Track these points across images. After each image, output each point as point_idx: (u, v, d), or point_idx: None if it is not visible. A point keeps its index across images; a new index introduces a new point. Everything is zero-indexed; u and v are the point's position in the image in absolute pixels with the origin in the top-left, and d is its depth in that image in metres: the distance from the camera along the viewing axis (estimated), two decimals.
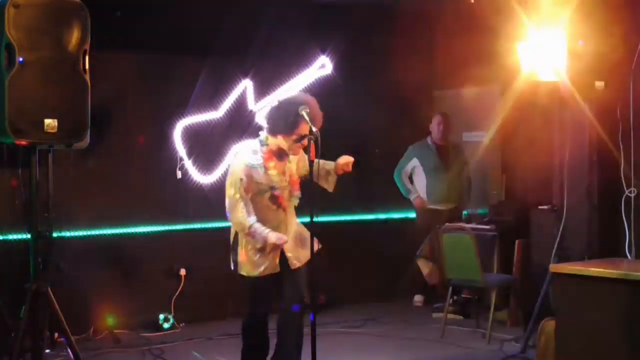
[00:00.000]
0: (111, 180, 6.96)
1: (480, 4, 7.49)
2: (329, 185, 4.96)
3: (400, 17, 8.21)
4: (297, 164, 4.94)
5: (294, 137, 4.71)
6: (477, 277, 6.57)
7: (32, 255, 5.21)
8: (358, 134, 8.01)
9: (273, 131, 4.79)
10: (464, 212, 8.04)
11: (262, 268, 4.82)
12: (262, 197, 4.79)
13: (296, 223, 4.99)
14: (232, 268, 4.98)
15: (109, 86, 6.62)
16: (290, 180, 4.88)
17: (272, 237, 4.67)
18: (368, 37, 8.15)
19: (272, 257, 4.80)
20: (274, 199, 4.80)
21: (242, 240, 4.87)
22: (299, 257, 4.89)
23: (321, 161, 4.82)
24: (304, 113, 4.54)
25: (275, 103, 4.91)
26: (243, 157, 4.81)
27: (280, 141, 4.77)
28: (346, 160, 4.85)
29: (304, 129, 4.66)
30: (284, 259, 4.85)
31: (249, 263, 4.86)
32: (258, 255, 4.82)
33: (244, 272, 4.88)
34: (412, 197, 7.90)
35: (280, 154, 4.83)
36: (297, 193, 4.91)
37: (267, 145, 4.83)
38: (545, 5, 6.30)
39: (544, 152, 7.06)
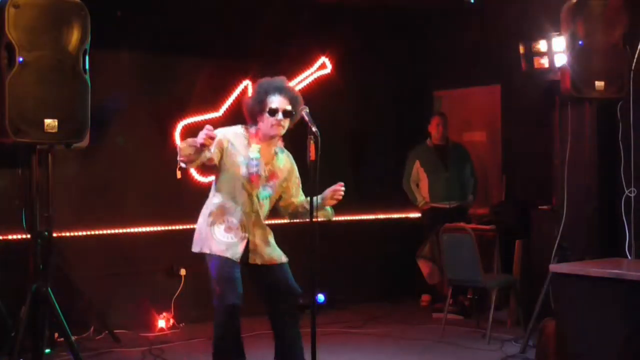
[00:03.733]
0: (111, 180, 6.96)
1: (480, 4, 7.50)
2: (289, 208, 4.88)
3: (399, 17, 8.22)
4: (283, 171, 4.82)
5: (267, 114, 4.63)
6: (477, 277, 6.57)
7: (32, 255, 5.21)
8: (358, 134, 8.01)
9: (251, 116, 4.72)
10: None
11: (225, 248, 4.66)
12: (237, 170, 4.63)
13: (265, 226, 4.83)
14: (195, 250, 4.84)
15: (109, 86, 6.62)
16: (270, 171, 4.74)
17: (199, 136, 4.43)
18: (368, 37, 8.15)
19: (237, 243, 4.65)
20: (248, 176, 4.64)
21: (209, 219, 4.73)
22: (261, 254, 4.75)
23: (301, 203, 4.79)
24: (304, 113, 4.53)
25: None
26: (231, 127, 4.74)
27: (262, 127, 4.67)
28: (333, 191, 4.68)
29: (272, 101, 4.62)
30: (246, 253, 4.71)
31: (214, 241, 4.71)
32: (225, 236, 4.68)
33: (206, 250, 4.74)
34: (419, 205, 7.92)
35: (266, 140, 4.70)
36: (271, 185, 4.74)
37: (252, 128, 4.74)
38: (545, 5, 6.31)
39: (544, 152, 7.06)
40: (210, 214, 4.76)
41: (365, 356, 6.28)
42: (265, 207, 4.79)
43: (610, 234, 6.17)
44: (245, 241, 4.70)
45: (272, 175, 4.77)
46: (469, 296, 7.54)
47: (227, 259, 4.67)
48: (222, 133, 4.66)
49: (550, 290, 5.89)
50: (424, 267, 7.74)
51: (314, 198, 4.36)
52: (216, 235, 4.72)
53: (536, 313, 6.01)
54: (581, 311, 4.77)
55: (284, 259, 4.83)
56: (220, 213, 4.71)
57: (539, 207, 6.99)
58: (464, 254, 6.60)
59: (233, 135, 4.70)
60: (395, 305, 7.98)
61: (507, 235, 7.18)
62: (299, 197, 4.90)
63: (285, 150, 4.92)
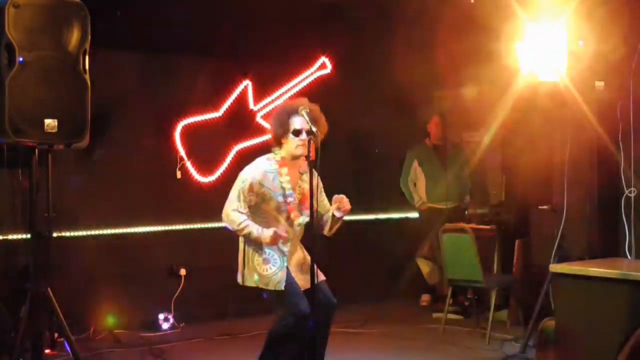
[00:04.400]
0: (111, 181, 6.96)
1: (480, 4, 7.49)
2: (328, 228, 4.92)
3: (400, 17, 8.21)
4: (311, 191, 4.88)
5: (291, 135, 4.70)
6: (477, 277, 6.57)
7: (32, 255, 5.21)
8: (358, 134, 8.01)
9: (276, 139, 4.80)
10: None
11: (267, 282, 4.74)
12: (269, 204, 4.72)
13: (302, 249, 4.91)
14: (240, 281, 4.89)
15: (109, 86, 6.63)
16: (301, 196, 4.80)
17: (266, 234, 4.61)
18: (368, 37, 8.15)
19: (280, 273, 4.72)
20: (283, 207, 4.74)
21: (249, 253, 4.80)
22: (303, 284, 4.80)
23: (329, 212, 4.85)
24: (303, 113, 4.54)
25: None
26: (258, 162, 4.79)
27: (287, 148, 4.75)
28: (338, 203, 4.72)
29: (295, 122, 4.68)
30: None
31: (258, 275, 4.78)
32: (265, 268, 4.75)
33: (252, 284, 4.81)
34: (417, 204, 7.92)
35: (292, 161, 4.79)
36: (306, 212, 4.76)
37: (279, 154, 4.81)
38: (545, 5, 6.30)
39: (544, 152, 7.06)
40: (249, 247, 4.81)
41: (365, 356, 6.29)
42: (301, 232, 4.87)
43: (610, 234, 6.16)
44: (284, 270, 4.74)
45: (303, 199, 4.81)
46: (469, 296, 7.54)
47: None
48: (251, 176, 4.70)
49: (550, 290, 5.89)
50: (424, 267, 7.75)
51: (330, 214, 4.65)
52: (257, 269, 4.77)
53: (536, 313, 6.01)
54: (581, 311, 4.76)
55: (322, 276, 4.84)
56: (259, 245, 4.75)
57: (539, 207, 6.98)
58: (464, 254, 6.60)
59: (261, 174, 4.72)
60: (395, 305, 7.98)
61: (507, 235, 7.18)
62: (326, 207, 4.95)
63: (312, 171, 4.89)
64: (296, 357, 4.74)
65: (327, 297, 4.78)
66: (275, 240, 4.61)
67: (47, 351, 5.64)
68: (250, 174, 4.72)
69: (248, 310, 7.44)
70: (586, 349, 4.69)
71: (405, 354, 6.31)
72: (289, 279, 4.69)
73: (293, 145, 4.71)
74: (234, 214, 4.69)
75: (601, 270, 4.73)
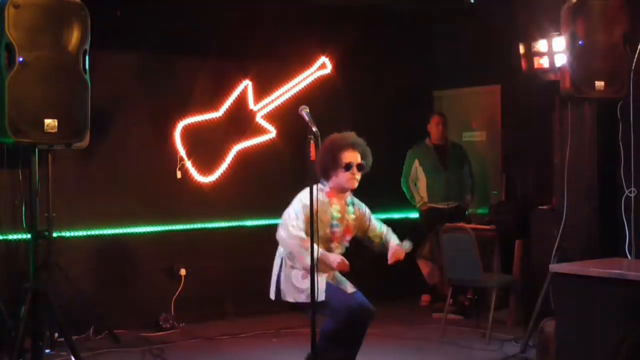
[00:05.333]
0: (111, 180, 6.96)
1: (480, 4, 7.50)
2: (375, 245, 5.17)
3: (399, 17, 8.22)
4: (355, 221, 5.03)
5: (341, 168, 4.84)
6: (477, 277, 6.57)
7: (32, 255, 5.22)
8: (358, 134, 7.99)
9: (324, 172, 4.92)
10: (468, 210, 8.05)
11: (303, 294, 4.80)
12: (321, 233, 4.83)
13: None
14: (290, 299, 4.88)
15: (109, 86, 6.63)
16: (345, 226, 4.95)
17: (334, 258, 4.75)
18: (368, 38, 8.15)
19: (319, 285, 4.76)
20: (330, 236, 4.86)
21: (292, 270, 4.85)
22: None
23: (386, 235, 5.12)
24: (304, 113, 4.54)
25: (320, 147, 4.88)
26: (308, 190, 4.83)
27: (336, 181, 4.89)
28: (397, 255, 4.97)
29: (346, 157, 4.85)
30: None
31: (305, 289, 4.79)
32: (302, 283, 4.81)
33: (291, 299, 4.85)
34: (418, 205, 7.92)
35: (340, 193, 4.94)
36: (347, 240, 5.00)
37: (327, 186, 4.94)
38: (545, 5, 6.31)
39: (544, 152, 7.06)
40: (286, 264, 4.87)
41: (366, 356, 6.28)
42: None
43: (610, 234, 6.16)
44: (324, 282, 4.81)
45: (346, 230, 4.98)
46: (469, 296, 7.54)
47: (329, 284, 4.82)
48: (307, 206, 4.68)
49: (550, 290, 5.89)
50: (424, 267, 7.75)
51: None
52: (294, 283, 4.83)
53: (536, 313, 6.01)
54: (581, 311, 4.76)
55: (350, 289, 4.92)
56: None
57: (539, 207, 6.98)
58: (464, 254, 6.59)
59: (302, 209, 4.79)
60: (395, 305, 7.96)
61: (507, 235, 7.18)
62: (377, 231, 5.15)
63: (355, 200, 5.10)
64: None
65: (364, 306, 4.88)
66: (340, 266, 4.75)
67: (47, 351, 5.65)
68: (306, 202, 4.74)
69: (248, 310, 7.45)
70: (586, 349, 4.69)
71: (405, 354, 6.31)
72: (329, 286, 4.79)
73: (344, 179, 4.87)
74: (296, 230, 4.71)
75: (601, 270, 4.73)
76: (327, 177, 4.92)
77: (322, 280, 4.74)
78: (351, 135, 4.98)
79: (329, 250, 4.87)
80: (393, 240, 5.10)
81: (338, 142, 4.91)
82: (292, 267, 4.81)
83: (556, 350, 4.95)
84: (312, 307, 4.34)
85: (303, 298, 4.75)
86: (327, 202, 4.88)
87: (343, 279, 4.99)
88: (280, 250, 4.92)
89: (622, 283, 4.55)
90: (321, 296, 4.70)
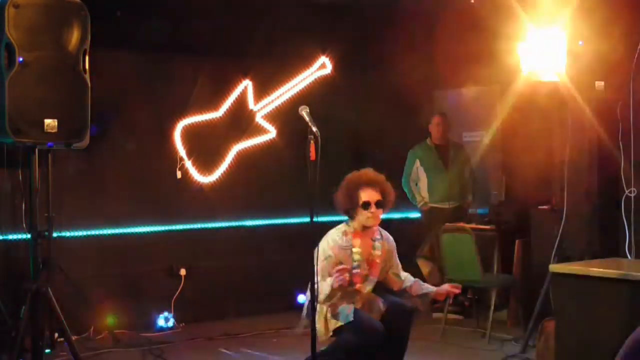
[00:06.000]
0: (111, 180, 6.96)
1: (480, 4, 7.49)
2: (418, 303, 5.21)
3: (400, 17, 8.21)
4: (382, 256, 5.01)
5: (359, 207, 4.85)
6: (477, 277, 6.57)
7: (32, 255, 5.22)
8: (358, 134, 8.01)
9: (346, 212, 4.94)
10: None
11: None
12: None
13: (369, 293, 5.00)
14: (326, 336, 4.86)
15: (109, 86, 6.63)
16: (371, 264, 4.95)
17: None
18: (368, 37, 8.15)
19: (347, 307, 4.83)
20: (351, 278, 4.83)
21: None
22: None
23: (419, 284, 5.12)
24: (303, 113, 4.53)
25: (339, 188, 5.00)
26: (333, 236, 4.90)
27: (358, 219, 4.90)
28: (448, 291, 5.05)
29: (363, 196, 4.85)
30: None
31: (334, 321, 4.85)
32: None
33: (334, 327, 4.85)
34: (419, 205, 7.92)
35: (364, 232, 4.94)
36: (374, 278, 4.97)
37: (351, 226, 4.94)
38: (545, 5, 6.30)
39: (544, 152, 7.06)
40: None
41: None
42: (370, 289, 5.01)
43: (610, 234, 6.16)
44: (352, 306, 4.86)
45: (372, 267, 4.96)
46: (469, 296, 7.54)
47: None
48: (334, 253, 4.80)
49: (550, 290, 5.88)
50: (424, 267, 7.74)
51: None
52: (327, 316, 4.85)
53: (536, 313, 6.01)
54: (581, 311, 4.76)
55: (382, 307, 4.94)
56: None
57: (539, 207, 6.98)
58: (464, 254, 6.60)
59: (339, 247, 4.84)
60: None
61: (507, 235, 7.18)
62: (399, 272, 5.15)
63: (384, 234, 5.10)
64: None
65: (401, 306, 4.93)
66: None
67: (47, 351, 5.65)
68: (330, 250, 4.82)
69: (248, 310, 7.46)
70: (586, 349, 4.69)
71: (405, 354, 6.31)
72: (356, 311, 4.80)
73: (363, 217, 4.88)
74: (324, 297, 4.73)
75: (601, 270, 4.73)
76: (351, 217, 4.94)
77: (350, 307, 4.81)
78: (367, 173, 5.00)
79: (351, 291, 4.85)
80: (421, 283, 5.13)
81: (354, 182, 4.94)
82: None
83: (556, 350, 4.95)
84: (313, 307, 4.35)
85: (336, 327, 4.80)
86: (349, 245, 4.88)
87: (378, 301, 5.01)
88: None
89: (622, 283, 4.56)
90: (349, 317, 4.74)
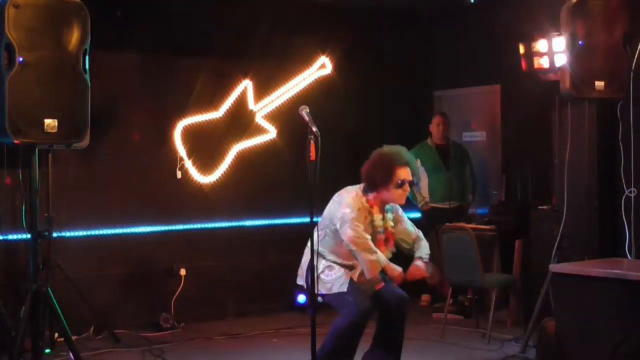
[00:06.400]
0: (111, 180, 6.96)
1: (480, 4, 7.50)
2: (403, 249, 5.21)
3: (400, 17, 8.22)
4: (395, 226, 5.10)
5: (393, 185, 4.88)
6: (477, 277, 6.57)
7: (32, 255, 5.22)
8: (358, 134, 8.01)
9: (372, 186, 4.95)
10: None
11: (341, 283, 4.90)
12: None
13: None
14: (322, 293, 4.94)
15: (109, 86, 6.63)
16: (387, 233, 5.02)
17: (397, 267, 4.96)
18: (368, 37, 8.15)
19: (342, 272, 4.91)
20: (375, 244, 4.88)
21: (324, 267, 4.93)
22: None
23: (415, 241, 5.20)
24: (303, 113, 4.53)
25: (371, 160, 5.02)
26: (354, 196, 4.92)
27: (386, 195, 4.93)
28: (416, 275, 5.09)
29: (401, 174, 4.89)
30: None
31: (327, 282, 4.91)
32: (332, 274, 4.92)
33: (331, 290, 4.91)
34: (420, 204, 7.92)
35: (382, 205, 4.99)
36: (392, 248, 5.07)
37: (369, 196, 4.96)
38: (545, 5, 6.31)
39: (544, 152, 7.06)
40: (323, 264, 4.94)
41: None
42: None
43: (610, 234, 6.16)
44: (348, 274, 4.94)
45: (389, 236, 5.05)
46: (469, 296, 7.54)
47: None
48: (355, 215, 4.81)
49: (550, 290, 5.88)
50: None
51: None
52: (325, 279, 4.93)
53: (536, 313, 6.01)
54: (581, 311, 4.76)
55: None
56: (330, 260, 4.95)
57: (539, 207, 6.98)
58: (464, 254, 6.59)
59: (357, 212, 4.85)
60: None
61: (507, 235, 7.18)
62: (408, 234, 5.22)
63: (393, 206, 5.12)
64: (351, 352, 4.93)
65: (399, 294, 5.06)
66: (399, 278, 4.96)
67: (47, 351, 5.65)
68: (356, 204, 4.86)
69: (248, 310, 7.45)
70: (586, 349, 4.69)
71: (406, 354, 6.30)
72: (352, 282, 4.87)
73: (395, 195, 4.93)
74: (362, 231, 4.80)
75: (601, 270, 4.74)
76: (374, 190, 4.95)
77: (345, 274, 4.87)
78: (404, 151, 5.04)
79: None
80: (419, 253, 5.17)
81: (394, 159, 4.95)
82: (322, 259, 4.90)
83: (556, 350, 4.95)
84: (310, 305, 4.35)
85: (323, 290, 4.87)
86: (367, 209, 4.93)
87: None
88: (315, 245, 4.94)
89: (622, 283, 4.56)
90: (343, 287, 4.82)
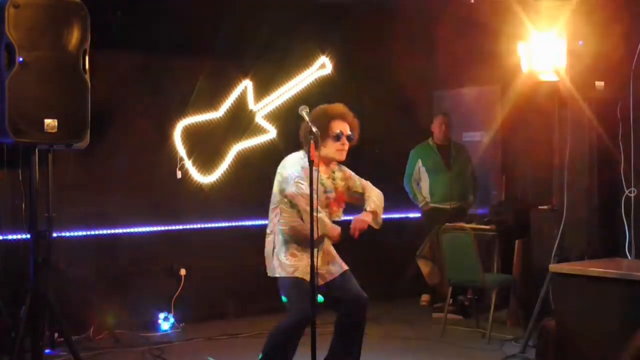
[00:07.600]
0: (111, 180, 6.96)
1: (480, 4, 7.49)
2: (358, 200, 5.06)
3: (400, 17, 8.22)
4: (344, 184, 4.97)
5: (330, 138, 4.79)
6: (477, 277, 6.57)
7: (32, 255, 5.21)
8: (358, 134, 7.99)
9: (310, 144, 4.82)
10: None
11: (295, 270, 4.80)
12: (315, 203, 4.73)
13: (328, 242, 4.96)
14: (271, 274, 4.91)
15: (109, 86, 6.62)
16: (337, 193, 4.90)
17: (337, 227, 4.72)
18: (368, 37, 8.15)
19: (305, 263, 4.73)
20: (326, 203, 4.79)
21: (283, 246, 4.84)
22: (324, 275, 4.91)
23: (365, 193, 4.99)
24: (303, 113, 4.54)
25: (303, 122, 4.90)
26: (295, 159, 4.82)
27: (325, 151, 4.80)
28: (359, 226, 4.85)
29: (336, 126, 4.80)
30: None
31: (287, 265, 4.82)
32: (293, 260, 4.80)
33: (282, 274, 4.82)
34: (420, 204, 7.92)
35: (327, 163, 4.89)
36: (342, 205, 4.93)
37: (310, 153, 4.81)
38: (545, 5, 6.31)
39: (544, 152, 7.06)
40: (280, 242, 4.86)
41: (366, 356, 6.28)
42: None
43: (610, 234, 6.16)
44: (307, 266, 4.75)
45: (340, 196, 4.91)
46: (469, 296, 7.54)
47: (297, 278, 4.78)
48: (298, 174, 4.69)
49: (550, 290, 5.89)
50: (424, 267, 7.74)
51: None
52: (283, 260, 4.82)
53: (536, 313, 6.01)
54: (581, 311, 4.77)
55: (344, 266, 4.97)
56: (290, 240, 4.83)
57: (539, 207, 6.99)
58: (464, 254, 6.60)
59: (303, 168, 4.71)
60: (395, 305, 7.97)
61: (507, 235, 7.18)
62: (358, 186, 5.06)
63: (339, 166, 5.02)
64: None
65: (357, 294, 4.92)
66: (337, 237, 4.73)
67: (47, 351, 5.65)
68: (297, 170, 4.71)
69: (248, 310, 7.45)
70: (586, 349, 4.70)
71: (406, 354, 6.31)
72: (298, 282, 4.73)
73: (333, 149, 4.82)
74: (305, 189, 4.58)
75: (601, 270, 4.74)
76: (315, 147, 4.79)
77: (301, 263, 4.74)
78: (341, 106, 4.94)
79: (329, 217, 4.81)
80: (365, 205, 4.95)
81: (328, 112, 4.86)
82: (285, 244, 4.81)
83: (556, 350, 4.96)
84: (312, 302, 4.33)
85: (283, 274, 4.78)
86: (314, 167, 4.75)
87: (336, 259, 4.97)
88: (271, 228, 4.89)
89: (622, 283, 4.56)
90: (285, 272, 4.74)
